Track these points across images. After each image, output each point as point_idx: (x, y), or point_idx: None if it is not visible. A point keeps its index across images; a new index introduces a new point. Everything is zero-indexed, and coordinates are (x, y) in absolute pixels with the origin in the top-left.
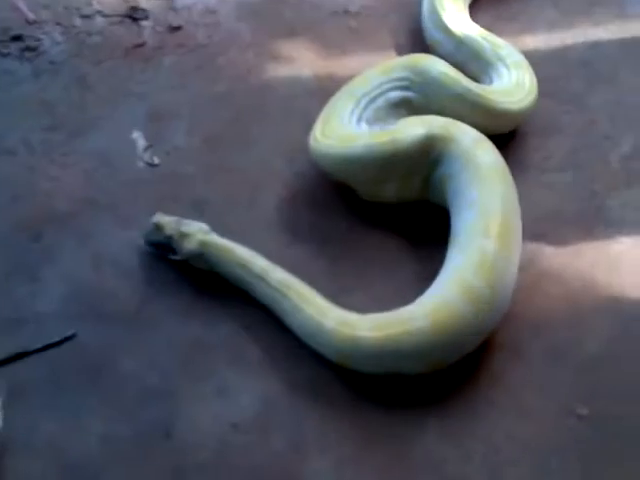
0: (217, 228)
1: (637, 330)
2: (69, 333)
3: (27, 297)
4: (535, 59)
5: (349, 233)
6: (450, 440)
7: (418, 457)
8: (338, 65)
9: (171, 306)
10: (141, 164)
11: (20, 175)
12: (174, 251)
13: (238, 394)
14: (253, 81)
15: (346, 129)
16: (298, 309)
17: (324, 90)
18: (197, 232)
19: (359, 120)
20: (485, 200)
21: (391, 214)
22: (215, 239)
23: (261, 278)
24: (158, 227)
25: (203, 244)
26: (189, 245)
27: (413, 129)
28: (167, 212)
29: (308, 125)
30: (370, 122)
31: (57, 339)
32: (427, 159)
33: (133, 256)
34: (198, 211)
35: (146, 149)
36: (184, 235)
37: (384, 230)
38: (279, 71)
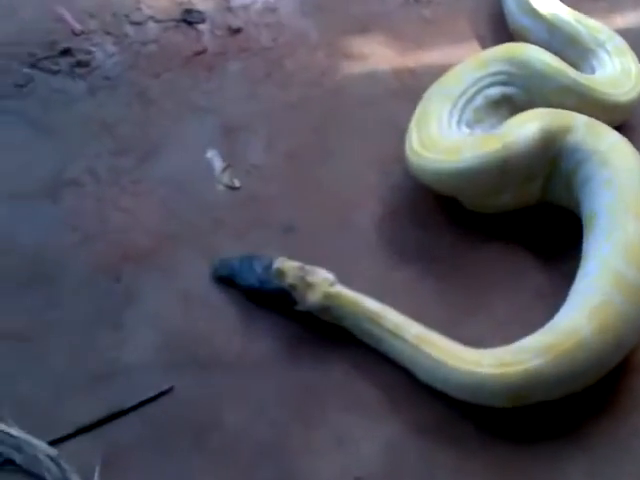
0: (310, 254)
1: None
2: (166, 387)
3: (113, 348)
4: (628, 40)
5: (459, 249)
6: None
7: None
8: (417, 60)
9: (274, 348)
10: (220, 187)
11: (89, 208)
12: (295, 301)
13: (359, 442)
14: (328, 85)
15: (447, 138)
16: (441, 364)
17: (407, 88)
18: (322, 283)
19: (459, 123)
20: (622, 177)
21: (504, 223)
22: (341, 291)
23: (394, 334)
24: (279, 274)
25: (328, 297)
26: (313, 297)
27: (525, 128)
28: (255, 239)
29: (398, 130)
30: (470, 125)
31: (153, 394)
32: (546, 157)
33: (224, 293)
34: (288, 236)
35: (224, 170)
36: (308, 285)
37: (498, 242)
38: (354, 71)
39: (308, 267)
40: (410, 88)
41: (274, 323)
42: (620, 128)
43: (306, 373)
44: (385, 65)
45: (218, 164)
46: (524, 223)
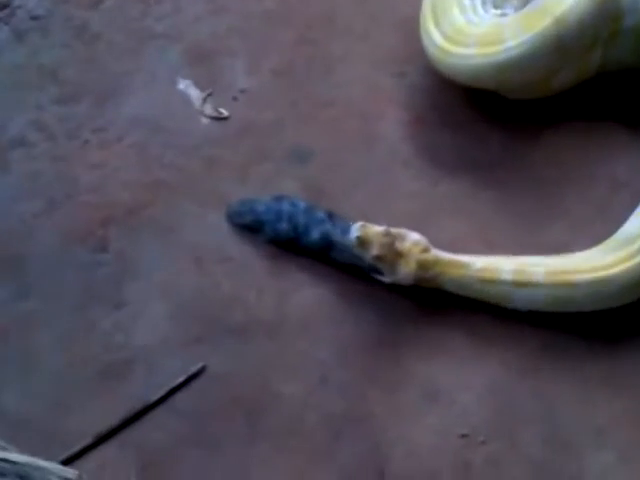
0: (332, 181)
1: None
2: (196, 367)
3: (119, 330)
4: None
5: (510, 147)
6: None
7: None
8: None
9: (318, 303)
10: (205, 120)
11: (47, 170)
12: (380, 271)
13: (454, 394)
14: None
15: (478, 25)
16: (598, 283)
17: None
18: (413, 249)
19: (484, 4)
20: None
21: (555, 106)
22: (438, 256)
23: (518, 283)
24: (362, 243)
25: (424, 265)
26: (405, 269)
27: None
28: (262, 175)
29: (401, 23)
30: (498, 4)
31: (182, 378)
32: (604, 18)
33: (244, 244)
34: (303, 165)
35: (205, 100)
36: (398, 254)
37: (554, 130)
38: None
39: (394, 230)
40: None
41: (313, 273)
42: None
43: (366, 326)
44: None
45: (195, 94)
46: (580, 102)
